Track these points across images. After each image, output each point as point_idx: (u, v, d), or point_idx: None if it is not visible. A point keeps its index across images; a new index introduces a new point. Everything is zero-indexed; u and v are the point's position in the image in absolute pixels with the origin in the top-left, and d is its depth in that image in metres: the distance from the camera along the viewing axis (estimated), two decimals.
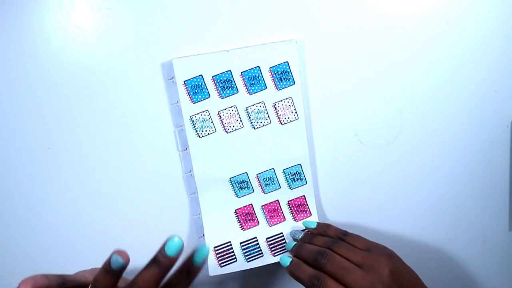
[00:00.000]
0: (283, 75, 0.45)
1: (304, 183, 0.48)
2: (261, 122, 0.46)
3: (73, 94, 0.45)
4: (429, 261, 0.45)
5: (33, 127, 0.45)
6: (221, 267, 0.47)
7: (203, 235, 0.47)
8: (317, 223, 0.47)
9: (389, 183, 0.47)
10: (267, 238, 0.48)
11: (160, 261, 0.33)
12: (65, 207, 0.47)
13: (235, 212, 0.48)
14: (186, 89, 0.45)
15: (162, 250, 0.34)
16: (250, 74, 0.45)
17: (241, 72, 0.45)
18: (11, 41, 0.43)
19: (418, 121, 0.47)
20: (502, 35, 0.45)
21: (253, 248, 0.48)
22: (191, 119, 0.46)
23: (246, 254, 0.48)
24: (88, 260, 0.46)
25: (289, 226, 0.48)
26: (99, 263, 0.43)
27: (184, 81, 0.45)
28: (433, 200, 0.48)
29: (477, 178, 0.48)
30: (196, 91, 0.45)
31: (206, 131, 0.46)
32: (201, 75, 0.45)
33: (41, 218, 0.47)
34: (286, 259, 0.43)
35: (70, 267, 0.47)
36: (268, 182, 0.48)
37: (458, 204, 0.48)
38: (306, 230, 0.47)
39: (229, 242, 0.48)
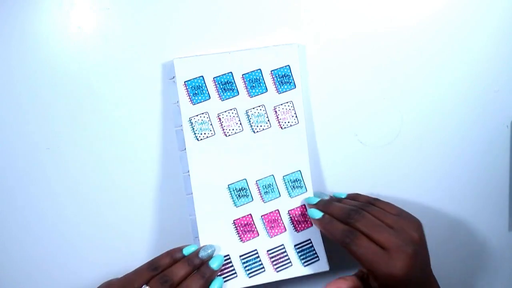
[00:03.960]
0: (284, 79, 0.45)
1: (304, 191, 0.46)
2: (261, 126, 0.45)
3: (74, 94, 0.44)
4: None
5: (33, 127, 0.44)
6: None
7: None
8: (347, 194, 0.47)
9: (389, 183, 0.47)
10: (268, 251, 0.45)
11: (196, 264, 0.41)
12: (65, 206, 0.46)
13: (233, 223, 0.45)
14: (186, 90, 0.44)
15: (207, 264, 0.41)
16: (251, 76, 0.45)
17: (242, 74, 0.45)
18: (10, 41, 0.42)
19: (418, 121, 0.47)
20: (502, 35, 0.46)
21: (254, 261, 0.45)
22: (190, 121, 0.44)
23: (246, 268, 0.44)
24: (88, 259, 0.47)
25: (290, 237, 0.46)
26: (98, 263, 0.46)
27: (184, 82, 0.44)
28: (433, 200, 0.48)
29: (477, 178, 0.48)
30: (196, 92, 0.44)
31: (204, 133, 0.44)
32: (201, 76, 0.44)
33: (41, 218, 0.46)
34: (316, 212, 0.43)
35: (70, 267, 0.48)
36: (267, 190, 0.46)
37: (458, 204, 0.48)
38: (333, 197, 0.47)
39: (228, 255, 0.44)
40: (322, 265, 0.45)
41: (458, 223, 0.49)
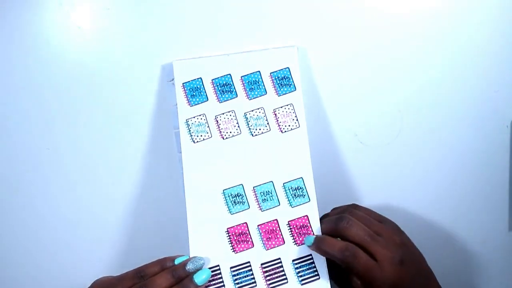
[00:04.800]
0: (283, 81, 0.44)
1: (306, 200, 0.42)
2: (260, 129, 0.43)
3: (73, 94, 0.45)
4: (429, 261, 0.41)
5: (33, 127, 0.45)
6: None
7: None
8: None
9: (389, 183, 0.47)
10: (262, 264, 0.41)
11: (181, 276, 0.38)
12: (65, 207, 0.46)
13: (227, 231, 0.42)
14: (184, 92, 0.44)
15: (191, 277, 0.38)
16: (250, 78, 0.44)
17: (241, 77, 0.44)
18: (11, 41, 0.44)
19: (418, 121, 0.47)
20: (502, 35, 0.46)
21: (245, 275, 0.40)
22: (186, 122, 0.43)
23: (236, 281, 0.40)
24: (88, 259, 0.47)
25: (288, 251, 0.41)
26: (98, 263, 0.46)
27: (182, 83, 0.44)
28: (432, 200, 0.48)
29: (477, 178, 0.48)
30: (194, 93, 0.44)
31: (201, 136, 0.43)
32: (200, 78, 0.44)
33: (41, 218, 0.46)
34: (309, 237, 0.41)
35: (69, 267, 0.47)
36: (266, 197, 0.42)
37: (458, 204, 0.48)
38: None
39: (218, 266, 0.40)
40: (322, 285, 0.40)
41: (458, 223, 0.48)
